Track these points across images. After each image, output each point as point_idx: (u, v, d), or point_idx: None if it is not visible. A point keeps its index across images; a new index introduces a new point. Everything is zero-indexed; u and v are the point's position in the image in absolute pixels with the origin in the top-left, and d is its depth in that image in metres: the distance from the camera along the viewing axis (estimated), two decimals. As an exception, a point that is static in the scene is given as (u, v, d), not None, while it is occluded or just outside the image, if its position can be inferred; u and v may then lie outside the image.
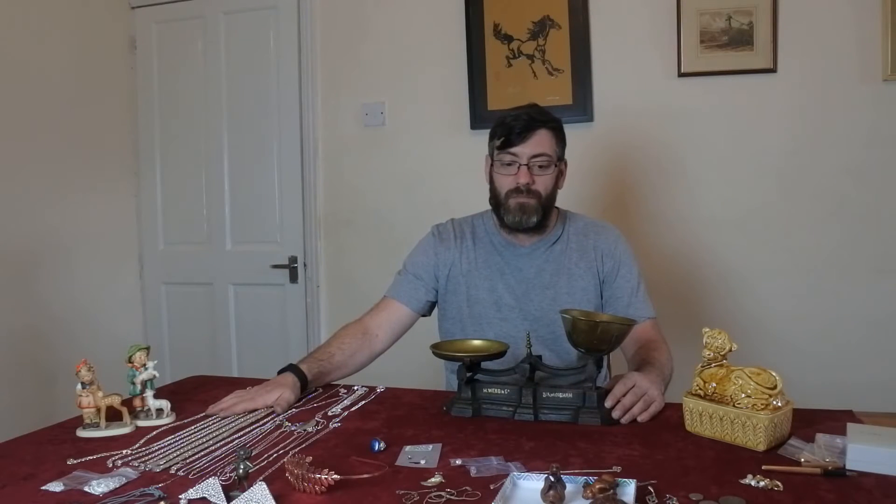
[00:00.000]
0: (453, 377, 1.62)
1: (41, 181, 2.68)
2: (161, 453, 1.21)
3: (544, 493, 0.96)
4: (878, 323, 2.37)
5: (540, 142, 1.62)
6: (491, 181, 1.70)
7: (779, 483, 1.01)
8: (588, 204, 2.46)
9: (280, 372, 1.57)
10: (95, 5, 2.93)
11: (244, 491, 0.99)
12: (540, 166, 1.63)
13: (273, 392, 1.46)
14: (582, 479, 1.00)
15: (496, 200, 1.68)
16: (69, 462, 1.18)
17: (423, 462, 1.14)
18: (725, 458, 1.14)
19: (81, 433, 1.33)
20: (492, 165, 1.69)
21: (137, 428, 1.36)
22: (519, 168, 1.62)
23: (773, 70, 2.39)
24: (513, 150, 1.62)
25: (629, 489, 0.97)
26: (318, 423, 1.36)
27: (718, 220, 2.50)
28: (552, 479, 0.96)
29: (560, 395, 1.36)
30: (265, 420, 1.39)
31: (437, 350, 1.48)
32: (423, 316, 1.81)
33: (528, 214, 1.63)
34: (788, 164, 2.42)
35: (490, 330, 1.68)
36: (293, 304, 2.96)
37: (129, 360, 1.42)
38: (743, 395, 1.19)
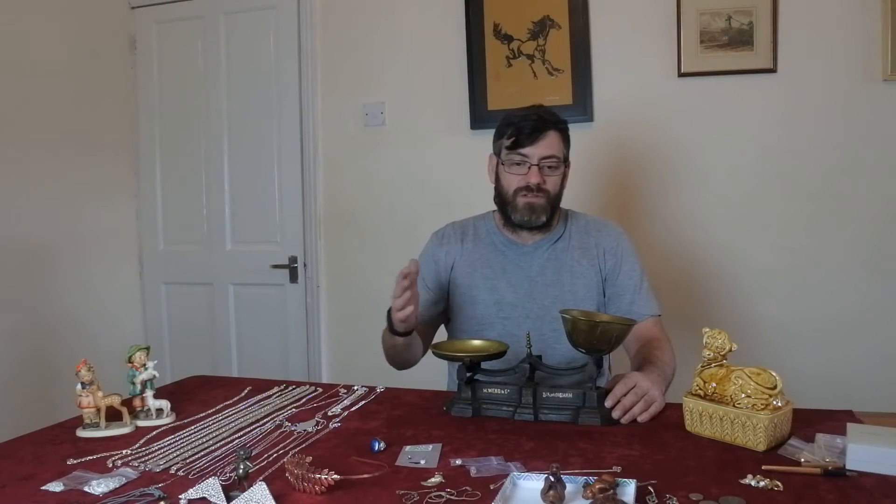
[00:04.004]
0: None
1: (41, 181, 2.67)
2: (161, 453, 1.22)
3: (544, 493, 0.96)
4: (877, 323, 2.36)
5: (550, 143, 1.63)
6: (497, 180, 1.70)
7: (779, 483, 1.01)
8: (588, 204, 2.46)
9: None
10: (95, 5, 2.93)
11: (244, 491, 0.99)
12: (549, 167, 1.63)
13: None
14: (582, 479, 1.00)
15: (502, 199, 1.68)
16: (69, 462, 1.19)
17: (423, 462, 1.14)
18: (725, 458, 1.14)
19: (81, 433, 1.34)
20: (498, 164, 1.69)
21: (137, 428, 1.37)
22: (529, 168, 1.62)
23: (773, 70, 2.39)
24: (523, 150, 1.62)
25: (629, 489, 0.97)
26: (318, 423, 1.36)
27: (718, 219, 2.50)
28: (552, 479, 0.96)
29: (560, 395, 1.36)
30: (265, 420, 1.39)
31: (437, 350, 1.48)
32: (443, 324, 1.82)
33: (537, 214, 1.64)
34: (788, 163, 2.42)
35: (492, 330, 1.68)
36: (293, 304, 2.96)
37: (129, 360, 1.42)
38: (743, 395, 1.19)
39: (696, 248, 2.52)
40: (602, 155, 2.55)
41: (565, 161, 1.68)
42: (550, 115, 1.66)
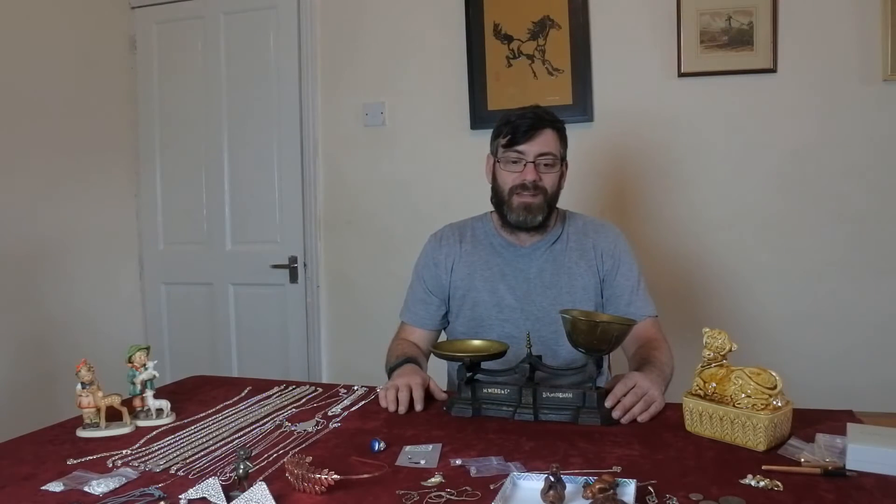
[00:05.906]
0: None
1: (41, 181, 2.67)
2: (161, 453, 1.22)
3: (544, 493, 0.96)
4: (878, 323, 2.36)
5: (546, 141, 1.63)
6: (494, 179, 1.70)
7: (779, 483, 1.01)
8: (587, 204, 2.46)
9: (393, 369, 1.59)
10: (95, 5, 2.93)
11: (244, 491, 0.99)
12: (546, 164, 1.63)
13: (415, 375, 1.50)
14: (582, 479, 1.00)
15: (499, 198, 1.68)
16: (69, 462, 1.19)
17: (423, 462, 1.14)
18: (725, 458, 1.14)
19: (81, 433, 1.34)
20: (495, 164, 1.69)
21: (137, 428, 1.37)
22: (525, 165, 1.62)
23: (773, 70, 2.39)
24: (519, 147, 1.62)
25: (629, 489, 0.97)
26: (318, 423, 1.37)
27: (718, 220, 2.49)
28: (552, 479, 0.96)
29: (560, 395, 1.36)
30: (265, 420, 1.39)
31: (438, 350, 1.49)
32: (444, 329, 1.83)
33: (532, 213, 1.63)
34: (788, 164, 2.42)
35: (492, 331, 1.68)
36: (293, 304, 2.96)
37: (129, 361, 1.42)
38: (743, 395, 1.19)
39: (695, 248, 2.52)
40: (602, 155, 2.55)
41: (562, 160, 1.68)
42: (547, 113, 1.67)
